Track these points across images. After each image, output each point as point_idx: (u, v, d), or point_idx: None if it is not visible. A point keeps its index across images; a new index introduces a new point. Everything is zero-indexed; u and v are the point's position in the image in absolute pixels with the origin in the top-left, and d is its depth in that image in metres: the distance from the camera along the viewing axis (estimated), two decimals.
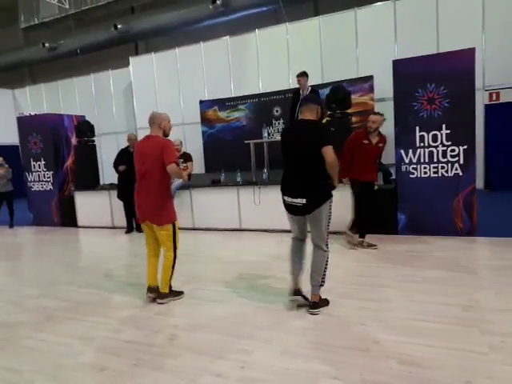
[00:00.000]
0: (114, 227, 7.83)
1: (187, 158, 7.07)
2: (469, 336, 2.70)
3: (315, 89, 7.01)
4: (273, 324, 3.11)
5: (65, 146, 8.65)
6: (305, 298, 3.36)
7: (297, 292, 3.38)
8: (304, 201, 3.10)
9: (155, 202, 3.61)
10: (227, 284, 4.11)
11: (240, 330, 3.06)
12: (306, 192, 3.10)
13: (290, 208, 3.25)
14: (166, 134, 3.74)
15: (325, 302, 3.31)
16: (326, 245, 3.26)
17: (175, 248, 3.73)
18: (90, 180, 8.22)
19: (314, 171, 3.11)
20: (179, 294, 3.85)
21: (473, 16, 8.66)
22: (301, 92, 6.74)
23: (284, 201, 3.28)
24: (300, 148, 3.12)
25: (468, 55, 5.06)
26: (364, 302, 3.37)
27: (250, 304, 3.53)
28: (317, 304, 3.24)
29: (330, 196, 3.18)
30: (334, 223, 5.80)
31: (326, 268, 3.26)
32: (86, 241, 7.29)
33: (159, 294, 3.74)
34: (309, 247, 3.38)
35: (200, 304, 3.64)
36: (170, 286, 3.78)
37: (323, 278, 3.25)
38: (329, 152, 3.04)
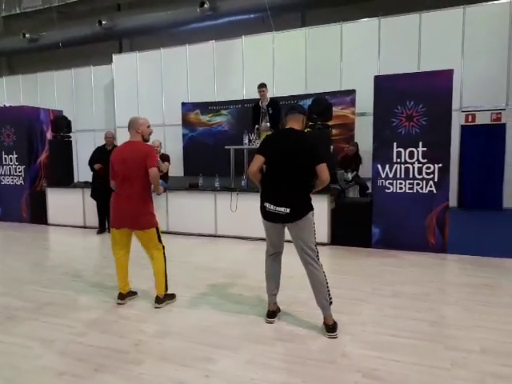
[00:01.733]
0: (85, 227, 7.64)
1: (164, 158, 6.98)
2: (434, 351, 2.73)
3: (276, 100, 7.10)
4: (241, 333, 3.07)
5: (39, 140, 8.42)
6: (278, 312, 3.34)
7: (274, 314, 3.28)
8: (288, 210, 2.99)
9: (138, 206, 3.56)
10: (199, 291, 4.05)
11: (208, 337, 3.01)
12: (291, 202, 3.00)
13: (270, 215, 3.09)
14: (144, 139, 3.69)
15: (336, 323, 3.06)
16: (318, 258, 3.07)
17: (163, 247, 3.70)
18: (63, 177, 7.99)
19: (302, 183, 3.06)
20: (173, 296, 3.77)
21: (453, 40, 8.93)
22: (260, 103, 6.80)
23: (264, 207, 3.10)
24: (291, 159, 3.03)
25: (446, 76, 5.20)
26: (334, 315, 3.35)
27: (220, 312, 3.48)
28: (334, 327, 3.02)
29: (313, 208, 3.11)
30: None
31: (327, 283, 3.07)
32: (56, 239, 7.08)
33: (156, 298, 3.65)
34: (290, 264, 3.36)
35: (169, 310, 3.57)
36: (166, 289, 3.69)
37: (329, 296, 3.06)
38: (324, 170, 3.02)
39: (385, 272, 4.56)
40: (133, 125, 3.64)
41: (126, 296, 3.77)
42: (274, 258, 3.28)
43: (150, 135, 3.76)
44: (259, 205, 3.17)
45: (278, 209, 3.02)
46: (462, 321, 3.22)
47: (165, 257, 3.72)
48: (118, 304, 3.71)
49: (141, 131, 3.64)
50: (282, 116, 8.26)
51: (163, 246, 3.73)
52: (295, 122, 3.18)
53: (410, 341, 2.88)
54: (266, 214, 3.12)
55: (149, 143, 3.81)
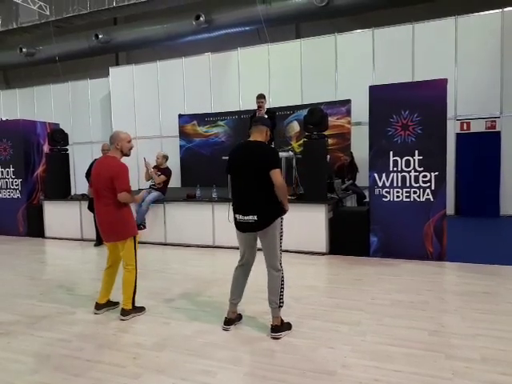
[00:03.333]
0: (82, 239, 7.59)
1: (163, 171, 7.00)
2: (434, 361, 2.70)
3: (273, 110, 7.14)
4: (240, 345, 3.04)
5: (36, 153, 8.41)
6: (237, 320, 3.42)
7: (231, 322, 3.35)
8: (255, 217, 3.10)
9: (110, 218, 3.60)
10: (196, 302, 4.02)
11: (206, 350, 2.97)
12: (256, 209, 3.11)
13: (241, 226, 3.22)
14: (124, 154, 3.69)
15: (287, 326, 3.23)
16: (280, 264, 3.22)
17: (136, 264, 3.68)
18: (60, 190, 7.97)
19: (264, 190, 3.13)
20: (141, 309, 3.76)
21: (446, 50, 9.04)
22: (257, 114, 6.83)
23: (235, 219, 3.25)
24: (250, 168, 3.14)
25: (441, 85, 5.25)
26: (333, 325, 3.34)
27: (218, 324, 3.44)
28: (279, 327, 3.16)
29: (281, 213, 3.20)
30: (304, 243, 5.84)
31: (282, 288, 3.21)
32: (53, 252, 7.02)
33: (122, 311, 3.65)
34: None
35: (167, 322, 3.53)
36: (133, 302, 3.69)
37: (281, 299, 3.20)
38: (277, 175, 3.09)
39: (383, 281, 4.54)
40: (113, 139, 3.64)
41: (102, 306, 3.81)
42: (242, 268, 3.39)
43: (131, 150, 3.73)
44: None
45: (246, 218, 3.16)
46: (461, 329, 3.20)
47: (136, 270, 3.69)
48: (95, 313, 3.76)
49: (120, 146, 3.63)
50: (282, 128, 8.31)
51: (136, 259, 3.69)
52: (258, 134, 3.30)
53: (410, 350, 2.86)
54: (238, 225, 3.26)
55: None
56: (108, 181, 3.51)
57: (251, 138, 3.32)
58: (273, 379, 2.54)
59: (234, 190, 3.32)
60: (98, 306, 3.80)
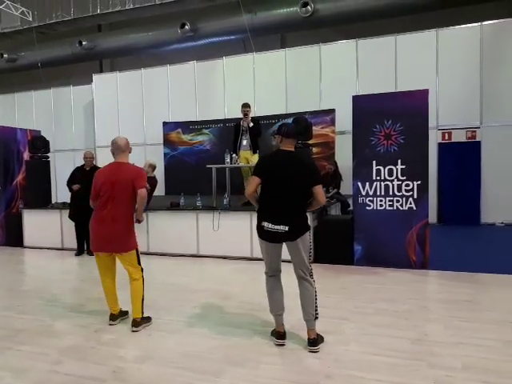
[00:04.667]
0: (63, 249, 7.43)
1: (149, 181, 6.91)
2: (417, 370, 2.71)
3: (257, 119, 7.22)
4: (225, 356, 3.00)
5: (16, 160, 8.24)
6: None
7: (284, 336, 3.21)
8: (287, 228, 3.04)
9: (121, 228, 3.54)
10: (181, 313, 3.95)
11: (189, 362, 2.92)
12: (289, 220, 3.06)
13: (268, 234, 3.11)
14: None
15: (321, 337, 3.15)
16: (311, 275, 3.18)
17: (142, 271, 3.69)
18: (40, 198, 7.81)
19: (300, 202, 3.14)
20: (149, 319, 3.72)
21: (428, 61, 9.24)
22: (242, 123, 6.88)
23: (262, 227, 3.13)
24: (289, 180, 3.08)
25: (422, 96, 5.35)
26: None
27: (202, 335, 3.40)
28: (316, 340, 3.07)
29: (309, 228, 3.20)
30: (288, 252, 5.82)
31: (316, 299, 3.16)
32: (32, 262, 6.86)
33: (134, 322, 3.57)
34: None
35: (150, 334, 3.47)
36: (143, 311, 3.64)
37: (316, 311, 3.13)
38: (320, 192, 3.12)
39: (367, 290, 4.56)
40: (125, 146, 3.65)
41: (117, 317, 3.75)
42: (273, 278, 3.27)
43: None
44: (256, 224, 3.22)
45: (276, 227, 3.06)
46: (444, 338, 3.23)
47: (143, 279, 3.68)
48: (110, 325, 3.67)
49: (130, 152, 3.73)
50: (267, 136, 8.31)
51: (142, 269, 3.70)
52: (290, 144, 3.24)
53: (393, 359, 2.86)
54: (264, 234, 3.15)
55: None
56: (129, 185, 3.50)
57: (284, 148, 3.21)
58: None
59: (265, 197, 3.19)
60: (114, 317, 3.72)
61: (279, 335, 3.20)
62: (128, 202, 3.55)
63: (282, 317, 3.25)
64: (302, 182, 3.09)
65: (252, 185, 3.19)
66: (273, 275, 3.26)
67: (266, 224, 3.10)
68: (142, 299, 3.65)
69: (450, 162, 9.15)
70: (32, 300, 4.50)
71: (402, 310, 3.88)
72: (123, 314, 3.82)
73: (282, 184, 3.10)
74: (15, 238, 7.83)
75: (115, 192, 3.51)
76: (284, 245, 3.17)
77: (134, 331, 3.53)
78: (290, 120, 7.45)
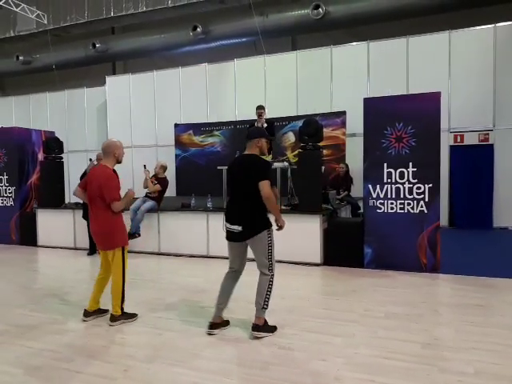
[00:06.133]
0: (76, 248, 7.53)
1: (161, 181, 6.98)
2: (427, 374, 2.69)
3: (272, 120, 7.22)
4: (233, 357, 3.01)
5: (30, 161, 8.38)
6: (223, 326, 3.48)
7: (216, 326, 3.42)
8: (240, 228, 3.25)
9: (102, 227, 3.67)
10: (189, 313, 3.98)
11: (199, 362, 2.94)
12: (242, 220, 3.26)
13: (228, 234, 3.38)
14: (118, 161, 3.78)
15: (269, 328, 3.34)
16: (269, 269, 3.34)
17: (123, 272, 3.71)
18: (54, 198, 7.92)
19: (252, 201, 3.28)
20: (132, 316, 3.78)
21: (440, 63, 9.16)
22: (256, 124, 6.90)
23: (225, 227, 3.40)
24: (240, 180, 3.35)
25: (434, 98, 5.31)
26: (326, 337, 3.33)
27: (211, 335, 3.41)
28: (259, 327, 3.29)
29: (268, 226, 3.32)
30: (299, 254, 5.82)
31: (268, 291, 3.33)
32: (45, 261, 6.96)
33: (111, 316, 3.69)
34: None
35: (160, 334, 3.49)
36: (122, 308, 3.71)
37: (266, 301, 3.31)
38: (265, 187, 3.21)
39: (377, 293, 4.53)
40: (111, 149, 3.69)
41: (90, 314, 3.83)
42: (231, 274, 3.50)
43: (123, 156, 3.85)
44: None
45: (231, 227, 3.32)
46: (455, 342, 3.19)
47: (124, 281, 3.71)
48: (83, 321, 3.77)
49: (117, 155, 3.72)
50: (278, 138, 8.36)
51: (123, 269, 3.72)
52: (250, 148, 3.45)
53: (404, 363, 2.84)
54: (226, 233, 3.42)
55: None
56: (98, 189, 3.59)
57: (246, 152, 3.47)
58: None
59: (228, 200, 3.52)
60: (87, 314, 3.82)
61: (211, 325, 3.41)
62: (101, 203, 3.60)
63: (222, 310, 3.46)
64: (247, 180, 3.28)
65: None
66: (230, 272, 3.49)
67: (226, 224, 3.39)
68: (122, 296, 3.69)
69: (462, 165, 9.05)
70: (45, 298, 4.57)
71: (412, 313, 3.85)
72: (100, 312, 3.88)
73: (235, 185, 3.41)
74: (29, 238, 7.96)
75: (91, 194, 3.65)
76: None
77: (110, 325, 3.63)
78: (300, 122, 7.43)
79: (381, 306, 4.08)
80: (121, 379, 2.73)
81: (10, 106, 14.61)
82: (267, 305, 3.32)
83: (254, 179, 3.23)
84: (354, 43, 10.04)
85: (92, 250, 6.97)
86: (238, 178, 3.36)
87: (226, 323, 3.53)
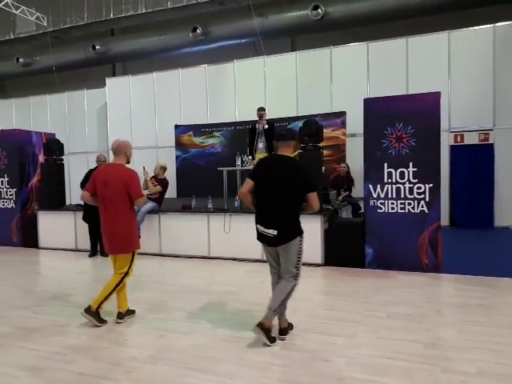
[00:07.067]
0: (77, 250, 7.53)
1: (161, 182, 7.00)
2: (430, 374, 2.70)
3: (272, 122, 7.24)
4: (236, 358, 3.01)
5: (31, 163, 8.39)
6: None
7: (285, 332, 3.33)
8: (275, 232, 3.14)
9: (123, 228, 3.62)
10: (193, 314, 3.98)
11: (201, 363, 2.94)
12: (278, 224, 3.15)
13: (261, 237, 3.28)
14: (128, 161, 3.81)
15: (268, 332, 3.19)
16: (295, 278, 3.25)
17: (126, 274, 3.72)
18: (55, 200, 7.93)
19: (291, 207, 3.20)
20: (100, 321, 3.72)
21: (440, 63, 9.17)
22: (257, 126, 6.93)
23: (257, 229, 3.30)
24: (282, 186, 3.15)
25: (434, 98, 5.32)
26: (329, 337, 3.33)
27: (214, 336, 3.42)
28: (264, 329, 3.16)
29: (301, 233, 3.24)
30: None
31: (286, 297, 3.23)
32: (47, 263, 6.97)
33: (88, 308, 3.67)
34: None
35: (163, 335, 3.50)
36: (99, 307, 3.68)
37: (279, 306, 3.21)
38: (315, 199, 3.17)
39: (379, 293, 4.53)
40: (123, 148, 3.74)
41: (124, 315, 3.83)
42: (275, 276, 3.41)
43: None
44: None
45: (266, 231, 3.20)
46: (457, 342, 3.20)
47: (120, 282, 3.72)
48: (117, 323, 3.77)
49: (129, 154, 3.78)
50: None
51: (127, 272, 3.74)
52: (286, 148, 3.31)
53: (406, 363, 2.85)
54: (259, 236, 3.32)
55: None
56: (121, 187, 3.55)
57: (280, 152, 3.31)
58: None
59: (259, 201, 3.30)
60: (121, 315, 3.81)
61: (280, 330, 3.32)
62: (122, 202, 3.59)
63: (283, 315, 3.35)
64: (293, 189, 3.16)
65: (245, 186, 3.31)
66: (274, 273, 3.40)
67: (259, 227, 3.26)
68: (107, 296, 3.68)
69: (462, 165, 9.06)
70: (47, 300, 4.57)
71: (414, 313, 3.85)
72: (130, 312, 3.90)
73: (273, 188, 3.20)
74: (30, 239, 7.96)
75: (109, 194, 3.59)
76: None
77: (82, 314, 3.64)
78: (300, 123, 7.44)
79: (383, 306, 4.08)
80: (124, 380, 2.73)
81: (10, 108, 14.62)
82: (278, 310, 3.23)
83: (302, 188, 3.14)
84: (354, 44, 10.05)
85: (93, 252, 6.98)
86: (279, 181, 3.16)
87: (290, 326, 3.42)
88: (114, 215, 3.60)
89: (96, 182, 3.67)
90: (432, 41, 9.26)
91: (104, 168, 3.82)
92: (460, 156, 9.09)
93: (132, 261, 3.71)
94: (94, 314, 3.66)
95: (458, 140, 9.15)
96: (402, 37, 9.50)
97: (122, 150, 3.72)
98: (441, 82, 8.83)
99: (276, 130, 7.04)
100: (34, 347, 3.30)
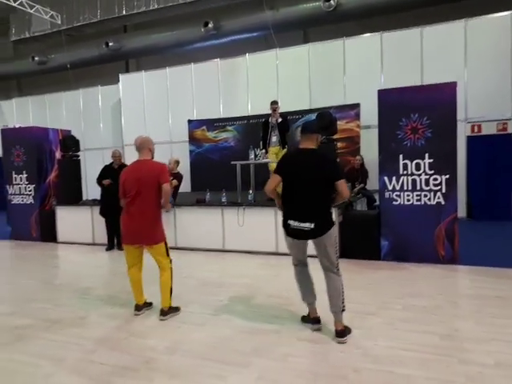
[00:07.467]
0: (94, 244, 7.67)
1: (174, 176, 7.07)
2: (447, 366, 2.69)
3: (285, 114, 7.21)
4: (252, 349, 3.04)
5: (48, 159, 8.54)
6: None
7: (319, 320, 3.31)
8: (312, 225, 3.09)
9: (150, 222, 3.71)
10: (209, 306, 4.03)
11: (218, 354, 2.99)
12: (314, 217, 3.11)
13: (294, 232, 3.19)
14: (152, 156, 3.88)
15: (348, 330, 3.20)
16: (337, 269, 3.23)
17: (170, 262, 3.83)
18: (72, 195, 8.08)
19: (323, 199, 3.18)
20: (177, 309, 3.87)
21: (455, 51, 9.00)
22: (270, 119, 6.90)
23: (288, 225, 3.20)
24: (311, 178, 3.13)
25: (450, 88, 5.22)
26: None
27: (230, 328, 3.46)
28: (343, 332, 3.14)
29: (334, 223, 3.24)
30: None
31: (343, 292, 3.21)
32: (65, 257, 7.11)
33: (161, 311, 3.75)
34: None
35: (179, 326, 3.56)
36: (171, 302, 3.79)
37: (343, 303, 3.19)
38: (344, 187, 3.16)
39: (395, 285, 4.51)
40: (146, 144, 3.82)
41: (142, 307, 3.91)
42: (300, 267, 3.39)
43: None
44: (282, 221, 3.28)
45: (302, 225, 3.13)
46: (474, 334, 3.17)
47: (171, 270, 3.82)
48: (135, 315, 3.84)
49: (152, 149, 3.87)
50: (292, 132, 8.41)
51: (171, 260, 3.85)
52: (309, 141, 3.28)
53: (422, 355, 2.84)
54: (290, 231, 3.23)
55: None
56: (153, 180, 3.64)
57: (302, 146, 3.29)
58: (284, 383, 2.55)
59: (289, 196, 3.25)
60: (139, 308, 3.89)
61: (315, 320, 3.30)
62: (154, 196, 3.68)
63: (314, 304, 3.33)
64: (323, 179, 3.14)
65: (272, 182, 3.30)
66: (299, 265, 3.37)
67: (291, 222, 3.18)
68: (171, 289, 3.79)
69: (479, 156, 8.89)
70: (66, 293, 4.68)
71: (430, 305, 3.83)
72: (148, 305, 3.99)
73: (304, 182, 3.16)
74: (49, 234, 8.12)
75: (140, 188, 3.66)
76: (310, 240, 3.21)
77: (161, 320, 3.69)
78: (313, 115, 7.41)
79: (398, 298, 4.07)
80: (143, 370, 2.79)
81: (27, 106, 14.88)
82: (344, 306, 3.18)
83: (330, 178, 3.12)
84: (367, 34, 9.91)
85: (110, 246, 7.10)
86: (308, 174, 3.14)
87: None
88: (142, 210, 3.67)
89: (125, 182, 3.73)
90: (448, 30, 9.07)
91: (132, 167, 3.82)
92: (477, 147, 8.92)
93: (167, 249, 3.81)
94: (170, 310, 3.76)
95: (475, 130, 8.98)
96: (416, 26, 9.34)
97: (146, 145, 3.80)
98: (457, 72, 8.67)
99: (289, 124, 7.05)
100: (55, 338, 3.39)
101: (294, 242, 3.26)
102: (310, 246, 3.25)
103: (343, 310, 3.17)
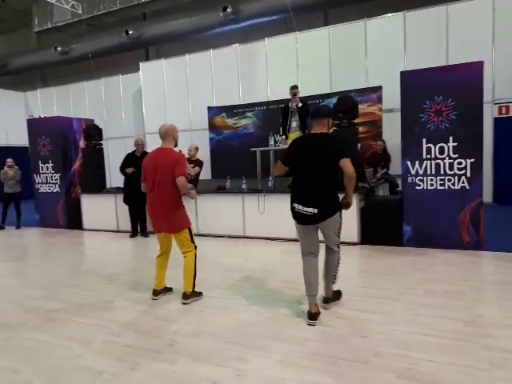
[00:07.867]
0: (118, 231, 7.86)
1: (196, 163, 7.13)
2: (470, 351, 2.66)
3: (305, 101, 7.09)
4: (273, 333, 3.09)
5: (73, 148, 8.74)
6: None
7: (315, 316, 3.23)
8: (316, 210, 3.13)
9: (170, 211, 3.75)
10: (230, 291, 4.10)
11: (240, 337, 3.05)
12: (318, 202, 3.14)
13: (298, 216, 3.24)
14: (176, 144, 3.91)
15: (337, 294, 3.55)
16: (338, 246, 3.41)
17: (195, 247, 3.89)
18: (96, 183, 8.27)
19: (328, 183, 3.18)
20: (200, 294, 3.94)
21: (483, 29, 8.65)
22: (290, 105, 6.81)
23: (294, 208, 3.25)
24: (317, 160, 3.15)
25: (476, 68, 5.04)
26: (366, 314, 3.34)
27: (251, 312, 3.52)
28: (329, 299, 3.47)
29: (341, 208, 3.29)
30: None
31: (337, 266, 3.42)
32: (91, 244, 7.33)
33: (184, 295, 3.84)
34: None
35: (202, 310, 3.64)
36: (194, 286, 3.87)
37: (335, 276, 3.43)
38: (348, 164, 3.12)
39: (417, 270, 4.47)
40: (170, 132, 3.83)
41: (159, 292, 4.00)
42: (308, 259, 3.35)
43: None
44: (289, 206, 3.33)
45: (306, 209, 3.16)
46: (499, 320, 3.12)
47: (196, 256, 3.88)
48: (153, 299, 3.93)
49: (176, 137, 3.88)
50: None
51: (195, 246, 3.90)
52: (320, 126, 3.30)
53: (444, 340, 2.82)
54: (296, 215, 3.29)
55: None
56: (169, 170, 3.66)
57: (314, 131, 3.31)
58: (305, 366, 2.59)
59: (295, 180, 3.32)
60: (156, 292, 3.99)
61: (310, 315, 3.24)
62: (171, 185, 3.69)
63: (315, 297, 3.31)
64: (327, 160, 3.14)
65: (277, 169, 3.46)
66: (307, 257, 3.35)
67: (296, 205, 3.24)
68: (194, 274, 3.85)
69: (507, 138, 8.59)
70: (92, 278, 4.84)
71: (453, 291, 3.78)
72: (166, 290, 4.07)
73: (310, 166, 3.18)
74: (75, 222, 8.38)
75: (158, 176, 3.70)
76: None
77: (183, 303, 3.79)
78: (334, 99, 7.29)
79: (420, 283, 4.03)
80: (166, 353, 2.88)
81: (51, 97, 15.22)
82: (336, 278, 3.45)
83: (334, 157, 3.11)
84: (389, 14, 9.63)
85: (134, 233, 7.26)
86: (315, 158, 3.14)
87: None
88: (162, 199, 3.72)
89: (146, 170, 3.80)
90: (474, 6, 8.71)
91: (152, 154, 3.86)
92: (505, 129, 8.62)
93: (191, 236, 3.84)
94: (192, 294, 3.84)
95: (503, 112, 8.67)
96: (441, 4, 9.00)
97: (170, 133, 3.82)
98: (484, 51, 8.34)
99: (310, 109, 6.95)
100: (83, 321, 3.53)
101: (303, 228, 3.30)
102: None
103: (333, 282, 3.44)
